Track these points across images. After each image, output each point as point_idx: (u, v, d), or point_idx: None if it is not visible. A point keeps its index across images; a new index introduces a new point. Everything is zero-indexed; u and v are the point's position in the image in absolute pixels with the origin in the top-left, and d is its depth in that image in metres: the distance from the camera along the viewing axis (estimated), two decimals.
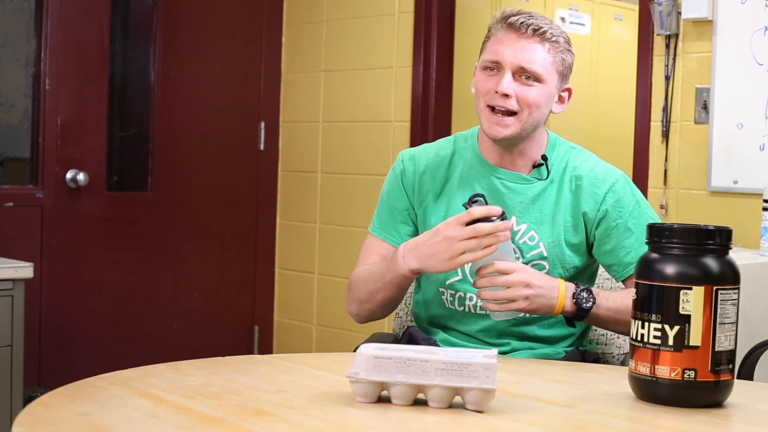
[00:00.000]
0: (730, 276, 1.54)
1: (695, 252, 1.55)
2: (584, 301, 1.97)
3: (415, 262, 1.98)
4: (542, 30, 2.03)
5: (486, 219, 1.88)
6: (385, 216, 2.20)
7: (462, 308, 2.09)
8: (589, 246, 2.11)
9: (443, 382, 1.47)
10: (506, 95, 2.02)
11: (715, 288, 1.52)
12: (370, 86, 4.28)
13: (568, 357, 2.10)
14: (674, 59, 3.34)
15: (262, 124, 4.62)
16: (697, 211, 3.29)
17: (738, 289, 1.56)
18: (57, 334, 4.02)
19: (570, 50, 2.09)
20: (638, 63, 3.44)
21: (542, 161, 2.11)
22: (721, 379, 1.55)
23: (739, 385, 1.65)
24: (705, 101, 3.27)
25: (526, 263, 2.06)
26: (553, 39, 2.04)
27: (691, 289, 1.52)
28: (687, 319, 1.52)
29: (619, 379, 1.73)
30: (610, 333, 2.25)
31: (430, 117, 4.07)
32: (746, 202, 3.18)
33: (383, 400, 1.51)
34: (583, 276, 2.15)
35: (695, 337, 1.52)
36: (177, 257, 4.38)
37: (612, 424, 1.49)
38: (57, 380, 2.52)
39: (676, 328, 1.52)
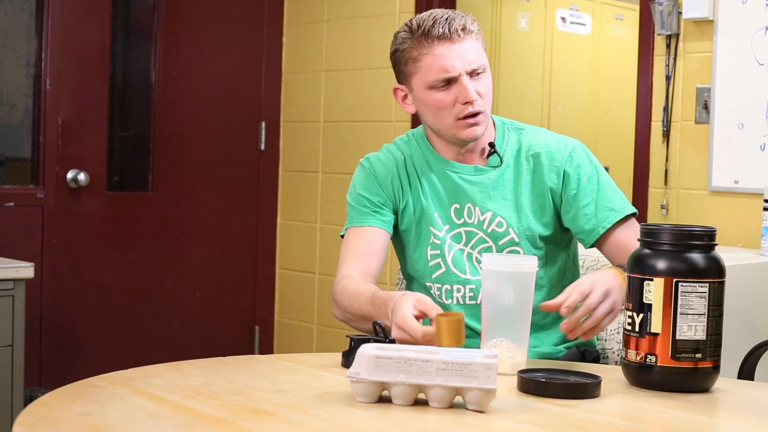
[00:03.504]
0: (694, 270, 1.65)
1: (665, 248, 1.67)
2: None
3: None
4: (467, 26, 2.05)
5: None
6: (363, 207, 2.16)
7: (450, 301, 2.11)
8: (559, 218, 2.13)
9: (444, 382, 1.47)
10: (475, 100, 2.04)
11: (675, 280, 1.64)
12: (371, 86, 4.28)
13: (568, 356, 2.10)
14: (675, 59, 3.34)
15: (263, 124, 4.62)
16: (698, 210, 3.29)
17: (710, 283, 1.65)
18: (58, 334, 4.02)
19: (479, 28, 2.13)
20: (639, 63, 3.44)
21: (492, 149, 2.12)
22: (684, 366, 1.64)
23: (741, 386, 1.65)
24: (706, 101, 3.27)
25: (500, 251, 2.08)
26: (475, 28, 2.08)
27: (652, 280, 1.65)
28: (649, 307, 1.65)
29: (618, 378, 1.73)
30: (610, 328, 2.25)
31: None
32: (747, 202, 3.18)
33: (384, 400, 1.51)
34: (559, 250, 2.15)
35: (656, 325, 1.65)
36: (178, 257, 4.39)
37: (612, 424, 1.49)
38: (58, 380, 2.53)
39: (641, 315, 1.66)
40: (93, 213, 4.13)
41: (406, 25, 2.09)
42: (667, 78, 3.35)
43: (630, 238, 2.02)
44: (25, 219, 3.95)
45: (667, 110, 3.35)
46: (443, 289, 2.11)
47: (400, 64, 2.11)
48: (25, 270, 3.27)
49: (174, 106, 4.35)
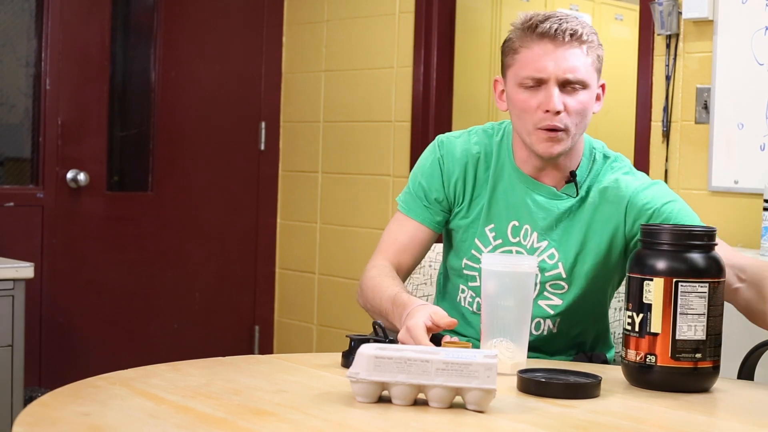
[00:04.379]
0: (694, 270, 1.64)
1: (665, 248, 1.67)
2: None
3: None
4: (578, 33, 1.92)
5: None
6: (418, 198, 2.10)
7: (480, 312, 2.07)
8: (620, 259, 2.02)
9: (444, 382, 1.47)
10: (558, 112, 1.92)
11: (675, 280, 1.63)
12: (371, 86, 4.28)
13: (575, 360, 2.09)
14: (675, 59, 3.34)
15: (263, 124, 4.62)
16: (698, 211, 3.23)
17: (710, 283, 1.65)
18: (57, 334, 4.02)
19: (600, 44, 1.99)
20: (639, 63, 3.44)
21: (571, 179, 2.02)
22: (683, 366, 1.64)
23: (741, 386, 1.65)
24: (705, 101, 3.27)
25: (544, 282, 2.01)
26: (589, 39, 1.94)
27: (652, 280, 1.64)
28: (649, 307, 1.65)
29: (618, 378, 1.73)
30: (620, 332, 2.24)
31: (431, 117, 4.07)
32: (747, 202, 3.18)
33: (384, 400, 1.51)
34: (604, 292, 2.08)
35: (656, 325, 1.64)
36: (177, 257, 4.38)
37: (612, 424, 1.49)
38: (57, 380, 2.52)
39: (641, 315, 1.66)
40: (93, 213, 4.12)
41: (520, 14, 1.98)
42: (667, 78, 3.35)
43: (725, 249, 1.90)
44: (25, 219, 3.95)
45: (667, 110, 3.35)
46: (475, 300, 2.07)
47: (504, 54, 2.00)
48: (25, 270, 3.27)
49: (174, 106, 4.35)
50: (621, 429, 1.48)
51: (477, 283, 2.05)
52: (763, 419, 1.54)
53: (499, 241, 2.04)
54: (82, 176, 4.04)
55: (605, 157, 2.08)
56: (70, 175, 4.04)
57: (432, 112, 4.07)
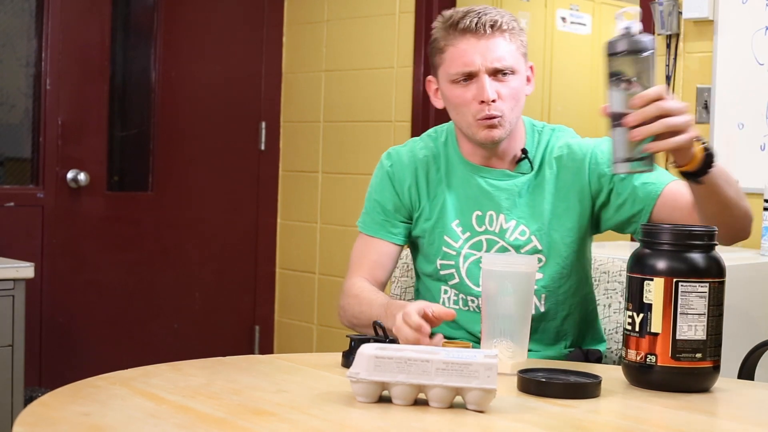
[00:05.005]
0: (694, 270, 1.64)
1: (665, 247, 1.66)
2: (710, 149, 1.75)
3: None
4: (498, 23, 2.00)
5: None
6: (376, 214, 2.17)
7: (466, 308, 2.09)
8: (593, 222, 2.07)
9: (444, 382, 1.47)
10: (493, 100, 1.98)
11: (675, 280, 1.63)
12: (371, 86, 4.28)
13: (571, 357, 2.09)
14: (675, 59, 3.34)
15: (263, 124, 4.62)
16: None
17: (710, 283, 1.64)
18: (58, 334, 4.02)
19: (522, 29, 2.07)
20: None
21: (523, 156, 2.08)
22: (684, 366, 1.63)
23: (741, 386, 1.65)
24: (706, 101, 3.27)
25: None
26: (510, 27, 2.02)
27: (652, 280, 1.64)
28: (649, 307, 1.64)
29: (618, 378, 1.73)
30: (610, 328, 2.24)
31: (431, 117, 4.07)
32: None
33: (384, 399, 1.51)
34: (579, 259, 2.10)
35: (656, 325, 1.64)
36: (178, 257, 4.39)
37: (612, 424, 1.49)
38: (58, 380, 2.52)
39: (641, 315, 1.65)
40: (93, 213, 4.13)
41: (441, 15, 2.06)
42: (667, 78, 3.35)
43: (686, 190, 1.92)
44: (25, 219, 3.95)
45: None
46: (459, 297, 2.09)
47: (432, 54, 2.07)
48: (25, 270, 3.27)
49: (174, 106, 4.35)
50: (621, 429, 1.48)
51: (457, 280, 2.08)
52: (763, 419, 1.54)
53: (468, 234, 2.08)
54: (82, 176, 4.05)
55: (549, 128, 2.14)
56: (70, 175, 4.04)
57: (432, 112, 4.07)
